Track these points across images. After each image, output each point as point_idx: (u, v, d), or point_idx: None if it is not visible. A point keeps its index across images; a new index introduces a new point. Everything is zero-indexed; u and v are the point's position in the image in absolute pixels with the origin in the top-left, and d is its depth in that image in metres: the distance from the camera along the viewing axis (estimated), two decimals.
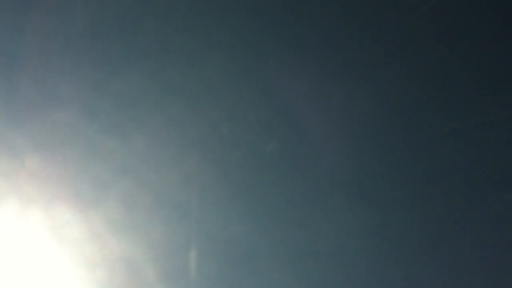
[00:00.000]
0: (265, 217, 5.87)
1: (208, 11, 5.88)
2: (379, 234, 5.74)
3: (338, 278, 5.72)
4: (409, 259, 5.69)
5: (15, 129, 5.76)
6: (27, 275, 5.54)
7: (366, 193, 5.79)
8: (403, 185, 5.67)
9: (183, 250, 5.69)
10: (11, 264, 5.54)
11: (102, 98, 5.86)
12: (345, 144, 5.78)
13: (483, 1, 5.52)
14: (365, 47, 5.64)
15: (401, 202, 5.68)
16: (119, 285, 5.60)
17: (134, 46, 5.92)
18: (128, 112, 5.85)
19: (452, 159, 5.55)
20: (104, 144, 5.76)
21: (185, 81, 5.89)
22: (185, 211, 5.80)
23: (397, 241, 5.71)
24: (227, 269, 5.76)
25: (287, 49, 5.86)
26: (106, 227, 5.63)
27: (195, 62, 5.91)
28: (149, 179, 5.82)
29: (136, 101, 5.89)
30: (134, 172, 5.79)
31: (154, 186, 5.79)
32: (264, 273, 5.75)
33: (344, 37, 5.71)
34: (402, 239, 5.69)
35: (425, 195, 5.62)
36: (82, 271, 5.57)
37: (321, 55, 5.79)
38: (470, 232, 5.53)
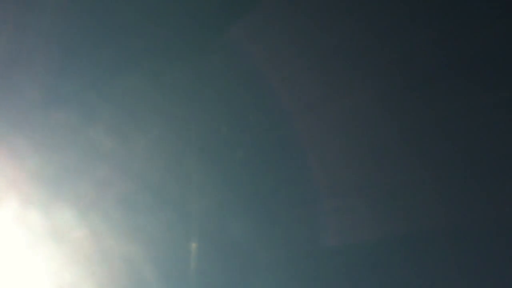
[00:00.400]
0: (265, 217, 5.86)
1: (207, 12, 5.89)
2: (379, 233, 5.73)
3: (337, 278, 5.71)
4: (412, 259, 5.68)
5: (15, 129, 5.78)
6: (26, 275, 5.54)
7: (366, 192, 5.78)
8: (401, 183, 5.66)
9: (183, 249, 5.69)
10: (11, 264, 5.55)
11: (102, 98, 5.87)
12: (344, 144, 5.77)
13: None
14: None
15: (400, 201, 5.67)
16: (119, 285, 5.61)
17: (133, 47, 5.92)
18: (128, 112, 5.86)
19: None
20: (104, 144, 5.77)
21: (184, 81, 5.89)
22: (185, 210, 5.80)
23: (397, 241, 5.70)
24: (227, 269, 5.76)
25: (286, 51, 5.86)
26: (106, 227, 5.63)
27: (194, 62, 5.92)
28: (149, 179, 5.82)
29: (135, 101, 5.90)
30: (134, 172, 5.80)
31: (154, 186, 5.79)
32: (264, 273, 5.74)
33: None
34: (403, 238, 5.68)
35: (422, 195, 5.62)
36: (81, 271, 5.58)
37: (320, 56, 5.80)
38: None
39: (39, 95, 5.88)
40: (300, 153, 5.85)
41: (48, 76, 5.93)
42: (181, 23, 5.90)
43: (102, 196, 5.69)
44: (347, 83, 5.72)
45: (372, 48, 5.62)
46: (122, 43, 5.90)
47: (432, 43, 5.54)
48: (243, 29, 5.82)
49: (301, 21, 5.75)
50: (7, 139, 5.75)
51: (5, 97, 5.89)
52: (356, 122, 5.75)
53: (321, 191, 5.80)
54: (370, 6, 5.60)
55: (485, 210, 5.50)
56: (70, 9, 5.87)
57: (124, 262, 5.60)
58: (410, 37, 5.54)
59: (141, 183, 5.75)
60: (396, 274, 5.66)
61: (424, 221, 5.61)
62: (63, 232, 5.60)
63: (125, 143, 5.78)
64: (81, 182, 5.74)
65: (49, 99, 5.88)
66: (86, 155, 5.79)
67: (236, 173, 5.92)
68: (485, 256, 5.46)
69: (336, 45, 5.70)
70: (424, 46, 5.54)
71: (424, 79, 5.58)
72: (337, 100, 5.76)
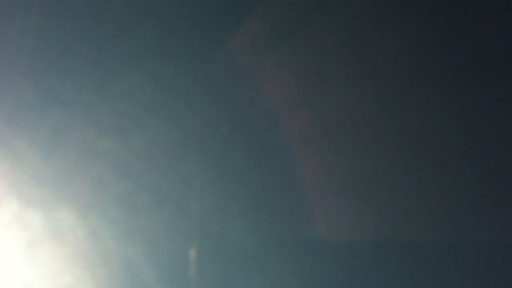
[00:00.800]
0: (264, 218, 5.87)
1: (207, 12, 5.88)
2: (379, 233, 5.74)
3: (337, 277, 5.72)
4: (410, 258, 5.68)
5: (14, 129, 5.78)
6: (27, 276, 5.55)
7: (366, 193, 5.78)
8: (396, 183, 5.66)
9: (182, 250, 5.69)
10: (10, 265, 5.56)
11: (102, 99, 5.87)
12: (344, 144, 5.77)
13: None
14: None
15: (399, 201, 5.67)
16: (119, 286, 5.62)
17: (133, 48, 5.92)
18: (128, 113, 5.86)
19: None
20: (103, 145, 5.77)
21: (184, 82, 5.89)
22: (184, 211, 5.80)
23: (397, 239, 5.70)
24: (227, 269, 5.76)
25: (289, 51, 5.85)
26: (106, 228, 5.64)
27: (194, 62, 5.91)
28: (149, 180, 5.82)
29: (135, 102, 5.90)
30: (134, 173, 5.80)
31: (154, 187, 5.79)
32: (263, 272, 5.75)
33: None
34: (403, 235, 5.68)
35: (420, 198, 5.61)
36: (81, 272, 5.59)
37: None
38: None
39: (39, 95, 5.88)
40: (298, 154, 5.85)
41: (48, 76, 5.93)
42: (182, 24, 5.89)
43: (102, 196, 5.70)
44: (342, 83, 5.72)
45: (370, 48, 5.61)
46: (122, 44, 5.90)
47: (430, 43, 5.53)
48: (242, 31, 5.82)
49: (299, 23, 5.75)
50: (6, 139, 5.76)
51: (5, 97, 5.89)
52: (353, 122, 5.75)
53: (320, 191, 5.80)
54: (368, 5, 5.59)
55: (480, 210, 5.49)
56: (70, 10, 5.87)
57: (124, 263, 5.61)
58: (408, 36, 5.53)
59: (141, 184, 5.76)
60: (392, 274, 5.67)
61: (419, 222, 5.62)
62: (63, 233, 5.61)
63: (125, 144, 5.78)
64: (81, 182, 5.74)
65: (49, 99, 5.88)
66: (86, 156, 5.80)
67: (235, 174, 5.92)
68: (481, 254, 5.46)
69: (334, 46, 5.69)
70: (421, 46, 5.53)
71: (420, 78, 5.58)
72: (334, 101, 5.76)
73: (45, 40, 5.86)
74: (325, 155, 5.82)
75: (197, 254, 5.65)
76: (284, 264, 5.78)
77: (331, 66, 5.71)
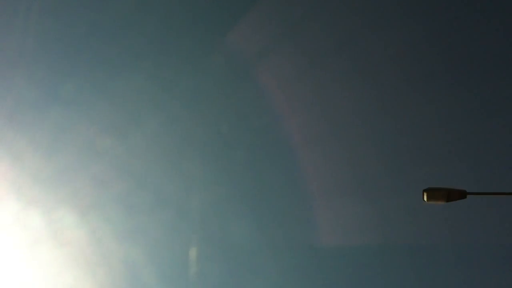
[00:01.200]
0: (265, 218, 5.86)
1: (208, 12, 5.88)
2: (379, 234, 5.73)
3: (338, 277, 5.72)
4: (409, 258, 5.67)
5: (14, 129, 5.77)
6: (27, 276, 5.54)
7: (367, 192, 5.77)
8: (396, 185, 5.65)
9: (183, 250, 5.69)
10: (11, 264, 5.55)
11: (102, 99, 5.86)
12: (345, 144, 5.76)
13: None
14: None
15: (398, 200, 5.67)
16: (119, 285, 5.61)
17: (134, 47, 5.92)
18: (128, 113, 5.86)
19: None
20: (104, 145, 5.76)
21: (185, 82, 5.88)
22: (185, 211, 5.80)
23: (398, 237, 5.70)
24: (227, 269, 5.76)
25: (288, 51, 5.84)
26: (106, 228, 5.63)
27: (194, 62, 5.91)
28: (149, 180, 5.82)
29: (136, 102, 5.89)
30: (135, 173, 5.79)
31: (155, 187, 5.79)
32: (263, 273, 5.75)
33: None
34: (403, 235, 5.68)
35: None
36: (82, 271, 5.58)
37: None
38: None
39: (39, 95, 5.87)
40: (299, 154, 5.85)
41: (48, 76, 5.92)
42: (181, 24, 5.89)
43: (102, 196, 5.69)
44: (342, 84, 5.72)
45: (369, 48, 5.61)
46: (122, 44, 5.90)
47: (430, 42, 5.52)
48: (243, 31, 5.81)
49: (299, 24, 5.74)
50: (6, 139, 5.75)
51: (5, 97, 5.89)
52: (354, 122, 5.75)
53: (320, 192, 5.80)
54: (369, 5, 5.58)
55: (479, 210, 5.48)
56: (71, 10, 5.86)
57: (124, 263, 5.61)
58: (408, 36, 5.52)
59: (141, 184, 5.76)
60: (391, 274, 5.66)
61: (419, 222, 5.61)
62: (63, 233, 5.60)
63: (126, 144, 5.78)
64: (80, 182, 5.74)
65: (49, 99, 5.88)
66: (86, 155, 5.79)
67: (235, 174, 5.92)
68: (481, 254, 5.45)
69: (333, 46, 5.69)
70: (421, 46, 5.52)
71: (419, 80, 5.57)
72: (335, 101, 5.76)
73: (46, 40, 5.86)
74: (326, 155, 5.82)
75: (197, 254, 5.64)
76: (283, 264, 5.78)
77: (333, 66, 5.71)
